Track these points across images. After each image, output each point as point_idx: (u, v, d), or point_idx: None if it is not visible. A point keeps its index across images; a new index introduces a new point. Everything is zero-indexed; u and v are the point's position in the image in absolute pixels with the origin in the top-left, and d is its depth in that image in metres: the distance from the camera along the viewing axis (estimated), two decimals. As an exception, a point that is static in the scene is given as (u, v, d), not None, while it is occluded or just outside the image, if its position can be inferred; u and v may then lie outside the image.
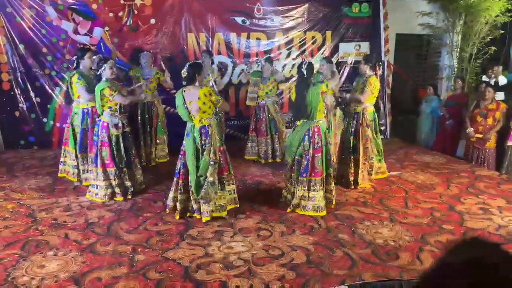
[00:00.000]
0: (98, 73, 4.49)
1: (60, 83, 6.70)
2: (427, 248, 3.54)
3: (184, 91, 3.99)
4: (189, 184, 4.04)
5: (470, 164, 6.11)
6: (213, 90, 4.20)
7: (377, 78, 5.18)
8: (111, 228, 3.87)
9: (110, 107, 4.47)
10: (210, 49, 7.01)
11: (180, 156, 4.15)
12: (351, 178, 5.02)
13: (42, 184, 5.05)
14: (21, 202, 4.42)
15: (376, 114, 5.23)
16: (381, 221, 4.10)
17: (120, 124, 4.57)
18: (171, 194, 4.18)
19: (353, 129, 5.08)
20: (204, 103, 3.94)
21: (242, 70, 7.36)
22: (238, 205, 4.27)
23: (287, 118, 7.06)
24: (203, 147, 4.00)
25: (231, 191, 4.24)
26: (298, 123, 4.38)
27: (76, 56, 4.99)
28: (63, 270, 3.09)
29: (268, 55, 6.89)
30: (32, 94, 6.71)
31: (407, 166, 6.08)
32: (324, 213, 4.18)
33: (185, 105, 3.97)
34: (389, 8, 7.93)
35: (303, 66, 4.28)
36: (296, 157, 4.31)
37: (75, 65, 4.96)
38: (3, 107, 6.65)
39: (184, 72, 3.98)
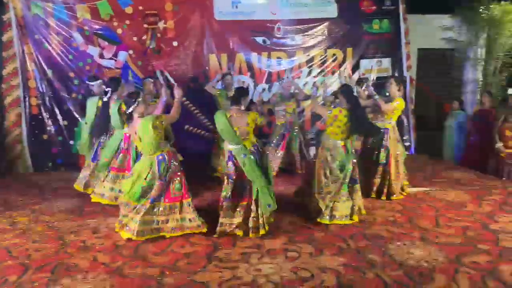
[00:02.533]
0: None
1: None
2: (463, 269, 3.40)
3: (229, 115, 4.10)
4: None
5: (502, 180, 5.92)
6: (257, 113, 4.33)
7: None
8: (139, 250, 3.87)
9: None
10: (231, 69, 7.09)
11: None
12: (385, 190, 5.20)
13: (70, 206, 5.10)
14: (49, 225, 4.47)
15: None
16: (412, 241, 3.99)
17: None
18: None
19: (385, 143, 5.18)
20: (252, 127, 4.17)
21: (263, 89, 7.49)
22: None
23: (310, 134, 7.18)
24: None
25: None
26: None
27: (110, 89, 5.02)
28: (93, 294, 3.09)
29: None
30: (59, 117, 6.89)
31: (436, 183, 5.93)
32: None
33: (234, 130, 4.09)
34: (410, 23, 7.89)
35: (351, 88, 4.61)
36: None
37: (109, 94, 5.01)
38: (32, 130, 6.85)
39: (234, 96, 4.25)
